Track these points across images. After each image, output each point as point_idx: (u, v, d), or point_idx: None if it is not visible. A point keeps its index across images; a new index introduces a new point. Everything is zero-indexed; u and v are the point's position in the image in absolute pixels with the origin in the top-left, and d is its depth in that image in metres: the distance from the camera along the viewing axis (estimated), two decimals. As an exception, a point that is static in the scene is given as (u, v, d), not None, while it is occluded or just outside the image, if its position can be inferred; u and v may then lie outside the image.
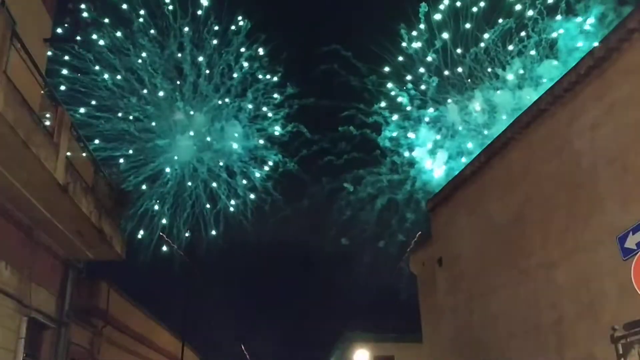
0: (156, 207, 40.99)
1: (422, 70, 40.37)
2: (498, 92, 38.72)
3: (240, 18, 41.19)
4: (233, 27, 41.22)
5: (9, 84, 7.93)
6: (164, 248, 39.65)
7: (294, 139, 42.86)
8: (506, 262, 14.86)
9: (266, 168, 42.69)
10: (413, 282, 24.78)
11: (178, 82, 41.37)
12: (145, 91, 40.31)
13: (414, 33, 39.89)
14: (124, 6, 38.88)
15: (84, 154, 12.22)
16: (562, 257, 12.64)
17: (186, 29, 40.57)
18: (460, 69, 39.76)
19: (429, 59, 40.01)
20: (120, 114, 39.52)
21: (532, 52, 37.50)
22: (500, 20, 37.82)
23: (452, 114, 40.38)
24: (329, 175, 43.36)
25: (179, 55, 40.92)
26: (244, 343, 45.80)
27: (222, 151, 42.87)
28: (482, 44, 38.73)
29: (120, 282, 19.33)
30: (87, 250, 12.51)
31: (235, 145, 42.60)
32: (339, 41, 41.09)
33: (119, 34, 38.81)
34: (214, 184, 42.58)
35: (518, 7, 37.28)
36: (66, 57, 36.52)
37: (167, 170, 41.50)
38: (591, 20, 35.06)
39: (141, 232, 39.75)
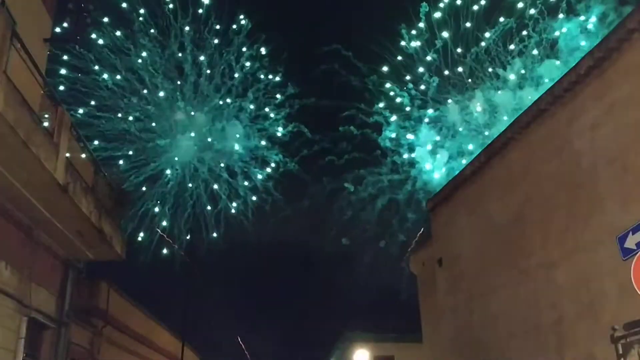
0: (157, 208, 41.01)
1: (422, 70, 40.40)
2: (499, 92, 38.72)
3: (241, 17, 41.25)
4: (234, 27, 41.27)
5: (9, 84, 7.94)
6: (164, 248, 39.68)
7: (295, 139, 42.90)
8: (506, 262, 14.86)
9: (268, 170, 42.72)
10: (413, 282, 24.78)
11: (179, 82, 41.41)
12: (145, 91, 40.35)
13: (415, 33, 39.91)
14: (124, 5, 38.89)
15: (84, 154, 12.23)
16: (562, 257, 12.63)
17: (187, 28, 40.60)
18: (460, 69, 39.77)
19: (430, 58, 40.04)
20: (120, 114, 39.54)
21: (534, 52, 37.50)
22: (502, 19, 37.81)
23: (452, 114, 40.40)
24: (329, 175, 43.37)
25: (180, 55, 40.95)
26: (240, 336, 45.77)
27: (222, 151, 42.91)
28: (483, 43, 38.74)
29: (120, 282, 19.36)
30: (87, 250, 12.52)
31: (236, 146, 42.63)
32: (340, 41, 41.10)
33: (118, 33, 38.83)
34: (215, 184, 42.61)
35: (520, 5, 37.22)
36: (66, 57, 36.54)
37: (168, 170, 41.53)
38: (592, 19, 35.09)
39: (141, 232, 39.78)
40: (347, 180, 42.77)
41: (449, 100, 40.40)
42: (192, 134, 41.96)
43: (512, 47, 38.23)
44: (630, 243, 8.37)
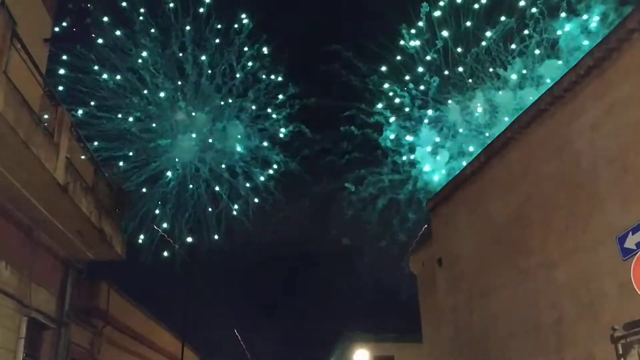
0: (157, 208, 41.03)
1: (423, 70, 40.40)
2: (500, 92, 38.70)
3: (243, 16, 41.25)
4: (235, 26, 41.28)
5: (9, 84, 7.94)
6: (165, 248, 39.69)
7: (295, 139, 42.92)
8: (506, 262, 14.85)
9: (270, 171, 42.73)
10: (413, 282, 24.77)
11: (179, 82, 41.41)
12: (146, 91, 40.35)
13: (415, 32, 39.91)
14: (123, 4, 38.87)
15: (84, 155, 12.23)
16: (562, 257, 12.63)
17: (187, 27, 40.60)
18: (461, 69, 39.76)
19: (430, 58, 40.04)
20: (121, 114, 39.54)
21: (535, 52, 37.46)
22: (503, 18, 37.78)
23: (453, 114, 40.38)
24: (330, 175, 43.40)
25: (181, 54, 40.96)
26: (241, 336, 45.71)
27: (223, 151, 42.90)
28: (484, 43, 38.72)
29: (120, 282, 19.35)
30: (88, 250, 12.51)
31: (237, 146, 42.63)
32: (341, 41, 41.15)
33: (118, 32, 38.83)
34: (215, 184, 42.62)
35: (522, 3, 37.18)
36: (67, 57, 36.56)
37: (169, 171, 41.55)
38: (596, 18, 35.07)
39: (142, 232, 39.79)
40: (348, 180, 42.80)
41: (449, 101, 40.42)
42: (193, 135, 41.99)
43: (513, 46, 38.26)
44: (630, 243, 8.37)
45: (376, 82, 41.02)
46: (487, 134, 37.51)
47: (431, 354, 21.41)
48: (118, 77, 39.09)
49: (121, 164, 37.76)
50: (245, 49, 41.76)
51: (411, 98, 40.87)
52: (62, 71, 36.21)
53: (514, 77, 38.17)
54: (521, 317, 13.87)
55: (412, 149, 41.27)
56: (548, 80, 35.15)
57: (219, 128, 42.48)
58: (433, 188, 37.18)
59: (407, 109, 41.00)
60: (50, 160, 9.32)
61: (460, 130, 39.92)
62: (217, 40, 41.25)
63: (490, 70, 39.04)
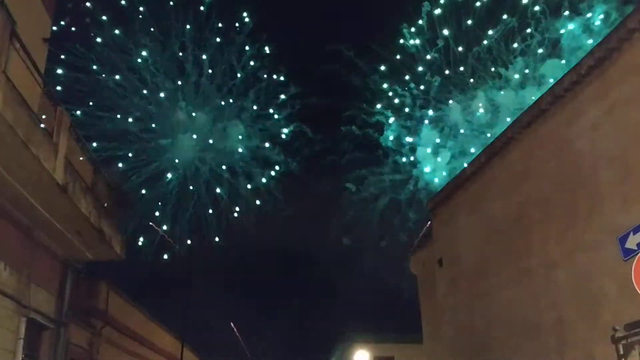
0: (157, 208, 41.02)
1: (424, 69, 40.36)
2: (501, 92, 38.64)
3: (244, 15, 41.22)
4: (236, 25, 41.23)
5: (8, 83, 7.92)
6: (164, 248, 39.68)
7: (296, 139, 42.91)
8: (506, 262, 14.83)
9: (272, 173, 42.70)
10: (413, 283, 24.74)
11: (180, 82, 41.38)
12: (146, 91, 40.32)
13: (415, 30, 39.87)
14: (122, 2, 38.83)
15: (83, 155, 12.20)
16: (563, 257, 12.60)
17: (188, 27, 40.56)
18: (462, 68, 39.72)
19: (431, 58, 40.00)
20: (120, 114, 39.52)
21: (538, 51, 37.42)
22: (505, 17, 37.72)
23: (454, 113, 40.34)
24: (331, 175, 43.41)
25: (181, 54, 40.93)
26: (240, 336, 45.70)
27: (224, 151, 42.88)
28: (485, 42, 38.67)
29: (119, 282, 19.33)
30: (87, 250, 12.49)
31: (238, 147, 42.62)
32: (341, 41, 41.15)
33: (118, 32, 38.80)
34: (216, 184, 42.61)
35: (523, 1, 37.09)
36: (67, 57, 36.55)
37: (169, 171, 41.53)
38: (600, 16, 35.02)
39: (142, 232, 39.79)
40: (349, 180, 42.83)
41: (451, 101, 40.38)
42: (194, 135, 41.97)
43: (514, 45, 38.21)
44: (631, 243, 8.35)
45: (377, 82, 41.02)
46: (488, 134, 37.47)
47: (431, 355, 21.37)
48: (117, 76, 39.11)
49: (120, 164, 37.87)
50: (246, 48, 41.76)
51: (412, 98, 40.86)
52: (60, 71, 36.23)
53: (516, 76, 38.14)
54: (521, 317, 13.85)
55: (413, 149, 41.28)
56: (550, 80, 35.12)
57: (219, 128, 42.50)
58: (434, 188, 37.20)
59: (407, 109, 40.98)
60: (49, 160, 9.30)
61: (462, 130, 39.89)
62: (218, 40, 41.25)
63: (492, 69, 39.02)
